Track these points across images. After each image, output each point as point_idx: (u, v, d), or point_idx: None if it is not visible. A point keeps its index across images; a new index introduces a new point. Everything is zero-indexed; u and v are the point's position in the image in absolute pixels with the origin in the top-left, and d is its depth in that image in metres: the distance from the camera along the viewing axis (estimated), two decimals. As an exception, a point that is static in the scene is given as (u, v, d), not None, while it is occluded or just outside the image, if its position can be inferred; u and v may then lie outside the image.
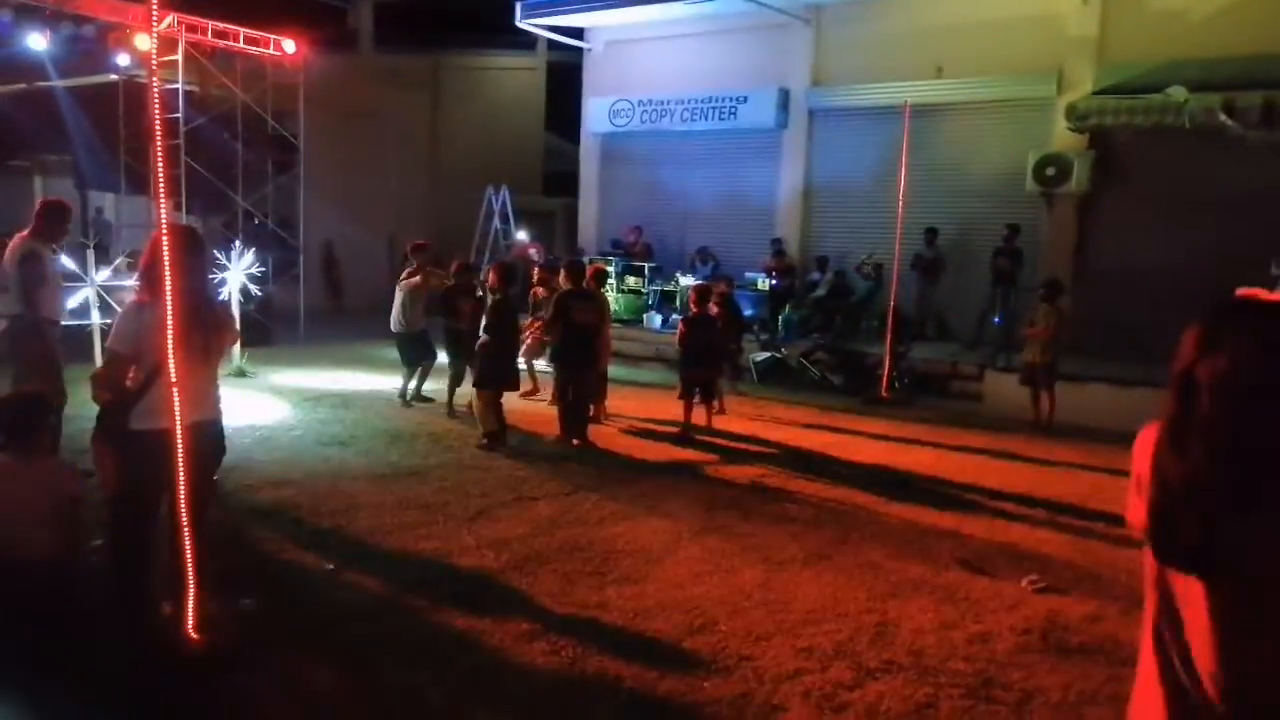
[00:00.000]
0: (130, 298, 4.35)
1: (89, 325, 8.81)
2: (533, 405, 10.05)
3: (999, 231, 12.82)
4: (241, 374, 11.01)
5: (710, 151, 16.69)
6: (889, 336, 11.41)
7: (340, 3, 20.52)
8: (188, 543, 3.89)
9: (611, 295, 14.91)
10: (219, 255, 10.23)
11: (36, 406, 4.53)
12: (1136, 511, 1.78)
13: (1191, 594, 1.68)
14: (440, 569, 5.19)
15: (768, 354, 12.73)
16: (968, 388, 11.79)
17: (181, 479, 3.82)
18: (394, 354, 10.43)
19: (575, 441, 8.37)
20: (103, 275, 8.98)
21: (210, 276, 4.81)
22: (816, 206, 15.76)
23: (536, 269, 11.32)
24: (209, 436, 4.13)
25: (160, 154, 3.93)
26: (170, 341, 3.74)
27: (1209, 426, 1.65)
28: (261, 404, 9.58)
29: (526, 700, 3.77)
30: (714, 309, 9.72)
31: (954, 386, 12.02)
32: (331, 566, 5.14)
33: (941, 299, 13.86)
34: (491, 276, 8.64)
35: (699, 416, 9.18)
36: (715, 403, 9.45)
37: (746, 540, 5.93)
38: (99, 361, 7.54)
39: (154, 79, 4.05)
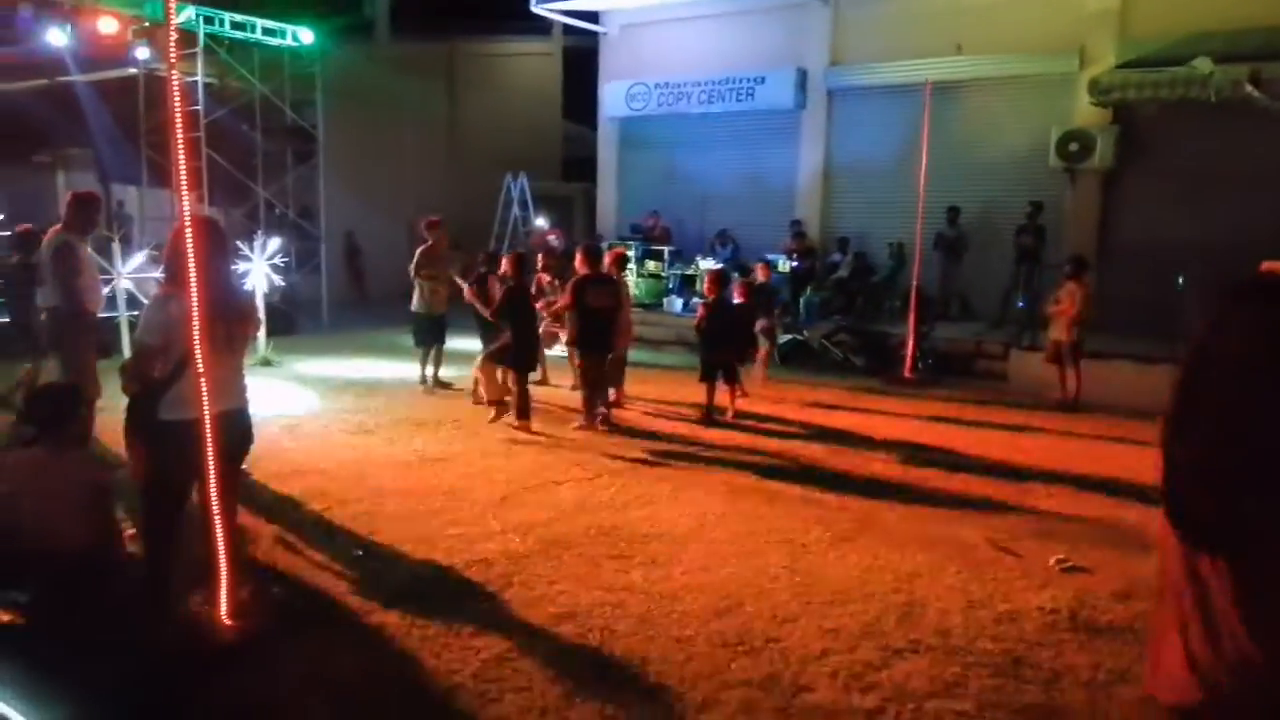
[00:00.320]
0: (156, 290, 4.40)
1: (117, 317, 8.91)
2: (547, 391, 10.06)
3: (1022, 209, 12.68)
4: (267, 363, 11.11)
5: (728, 134, 16.60)
6: (912, 316, 11.34)
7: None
8: (219, 530, 3.94)
9: (631, 279, 14.92)
10: (241, 246, 10.31)
11: (69, 399, 4.59)
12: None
13: (1217, 572, 1.67)
14: (467, 554, 5.22)
15: (789, 336, 12.69)
16: (992, 367, 11.71)
17: (211, 468, 3.87)
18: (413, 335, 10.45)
19: (599, 426, 8.39)
20: (129, 267, 9.08)
21: (233, 267, 4.84)
22: (836, 187, 15.65)
23: (541, 256, 11.25)
24: (237, 425, 4.17)
25: (182, 146, 3.95)
26: (196, 332, 3.78)
27: (1218, 406, 1.64)
28: (288, 393, 9.66)
29: (555, 683, 3.80)
30: (739, 295, 9.74)
31: (978, 366, 11.94)
32: (360, 553, 5.19)
33: (964, 278, 13.75)
34: (505, 265, 8.65)
35: (721, 400, 9.17)
36: (737, 386, 9.43)
37: (771, 522, 5.93)
38: (127, 353, 7.63)
39: (173, 72, 4.07)
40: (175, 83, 4.03)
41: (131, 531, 4.57)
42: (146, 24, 12.53)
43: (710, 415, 8.93)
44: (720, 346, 9.13)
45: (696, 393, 9.30)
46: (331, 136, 15.31)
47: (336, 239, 17.78)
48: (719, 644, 4.19)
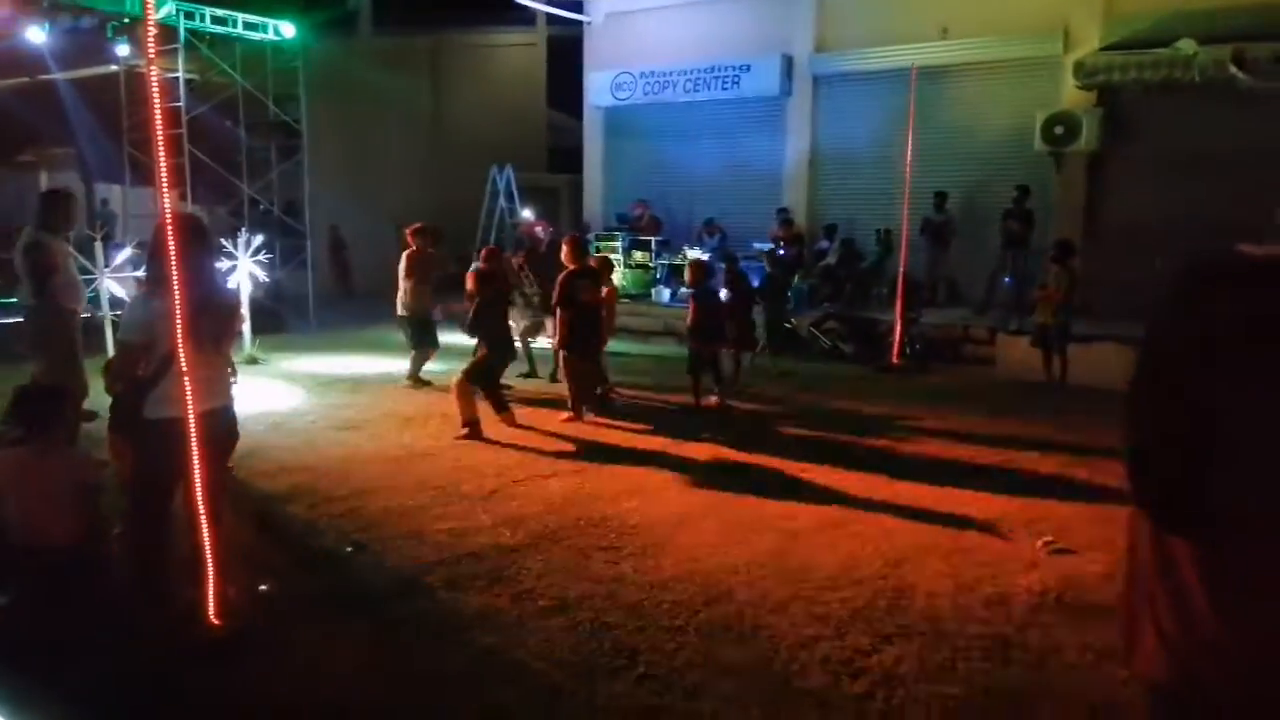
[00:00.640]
0: (138, 288, 4.37)
1: (100, 316, 8.86)
2: (534, 385, 10.05)
3: (1008, 193, 12.70)
4: (253, 361, 11.06)
5: (714, 122, 16.57)
6: (899, 303, 11.36)
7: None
8: (205, 529, 3.93)
9: (619, 270, 14.89)
10: (226, 243, 10.25)
11: (54, 399, 4.57)
12: None
13: (1185, 551, 1.69)
14: (456, 548, 5.22)
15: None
16: (980, 352, 11.75)
17: (197, 466, 3.85)
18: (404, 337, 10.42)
19: (588, 416, 8.39)
20: (112, 265, 9.01)
21: (216, 264, 4.82)
22: (823, 174, 15.65)
23: (522, 254, 11.07)
24: (222, 423, 4.16)
25: (162, 144, 3.92)
26: (179, 330, 3.76)
27: (1182, 386, 1.66)
28: (274, 390, 9.63)
29: (546, 674, 3.80)
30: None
31: (966, 351, 11.98)
32: (350, 549, 5.18)
33: (951, 263, 13.77)
34: (478, 268, 8.62)
35: (708, 392, 9.18)
36: (727, 375, 9.46)
37: (760, 510, 5.94)
38: (111, 352, 7.58)
39: (152, 68, 4.04)
40: (154, 79, 3.99)
41: (118, 531, 4.56)
42: (126, 20, 12.42)
43: (697, 406, 8.94)
44: (710, 338, 9.13)
45: (684, 383, 9.30)
46: (316, 131, 15.22)
47: (322, 234, 17.70)
48: (709, 632, 4.20)
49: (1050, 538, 5.41)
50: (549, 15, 19.24)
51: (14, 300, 8.46)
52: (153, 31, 4.04)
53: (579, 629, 4.23)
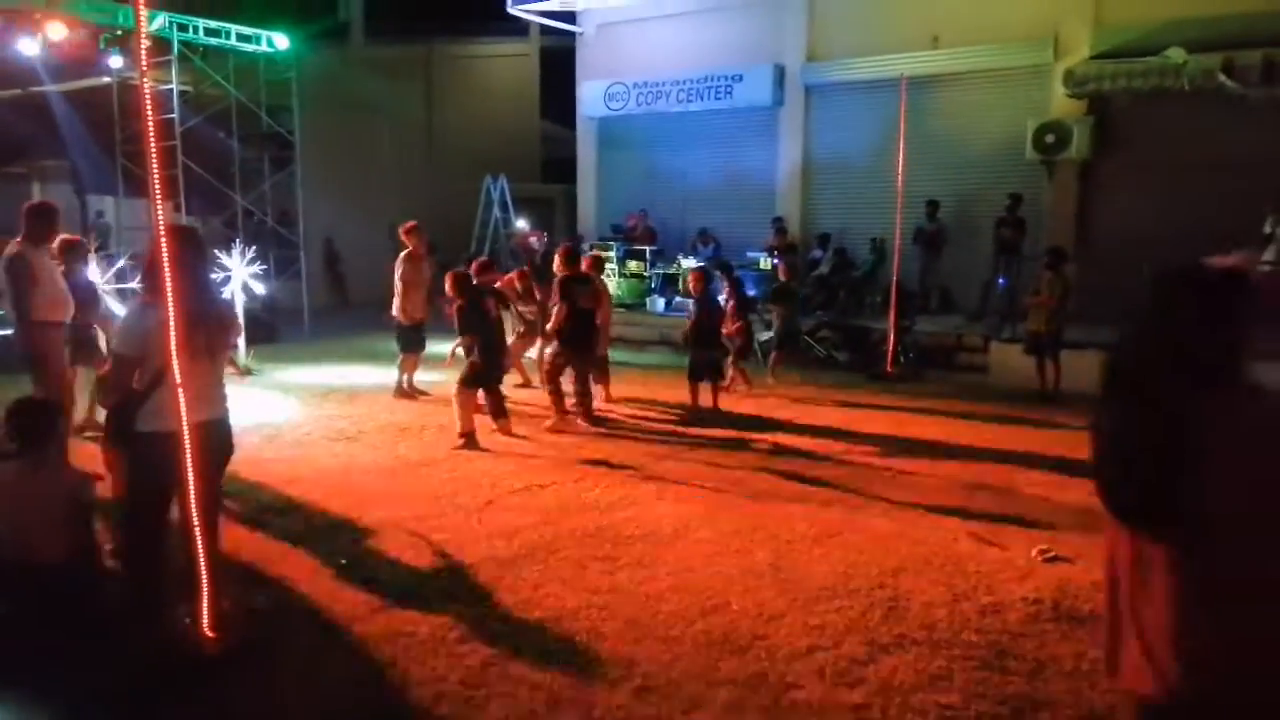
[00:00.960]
0: (133, 300, 4.36)
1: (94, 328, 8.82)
2: (530, 394, 10.03)
3: (1001, 201, 12.75)
4: (247, 372, 11.03)
5: (707, 132, 16.62)
6: (893, 311, 11.38)
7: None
8: (200, 542, 3.91)
9: (613, 280, 14.91)
10: (220, 255, 10.24)
11: (47, 413, 4.56)
12: None
13: (1161, 560, 1.70)
14: (452, 559, 5.21)
15: (772, 333, 12.70)
16: (973, 360, 11.77)
17: (191, 478, 3.84)
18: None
19: (579, 425, 8.39)
20: (105, 277, 9.00)
21: (212, 276, 4.81)
22: (816, 183, 15.70)
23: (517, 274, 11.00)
24: (217, 435, 4.15)
25: (155, 155, 3.92)
26: (174, 342, 3.75)
27: (1150, 392, 1.69)
28: (269, 402, 9.61)
29: (544, 685, 3.79)
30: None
31: (959, 359, 12.00)
32: (344, 561, 5.16)
33: (944, 271, 13.81)
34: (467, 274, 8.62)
35: (705, 398, 9.19)
36: (722, 384, 9.47)
37: (756, 520, 5.94)
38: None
39: (144, 80, 4.04)
40: (147, 91, 4.00)
41: (111, 545, 4.54)
42: (119, 32, 12.41)
43: (696, 414, 8.95)
44: (710, 345, 9.18)
45: (680, 392, 9.31)
46: (309, 142, 15.23)
47: (316, 245, 17.69)
48: (705, 643, 4.19)
49: (1045, 546, 5.41)
50: (542, 26, 19.32)
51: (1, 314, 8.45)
52: (145, 44, 4.05)
53: (576, 640, 4.23)
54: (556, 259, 8.73)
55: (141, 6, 3.91)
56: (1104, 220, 12.82)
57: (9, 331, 6.78)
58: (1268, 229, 10.24)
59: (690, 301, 9.69)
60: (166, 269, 3.74)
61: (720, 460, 7.50)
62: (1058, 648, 4.17)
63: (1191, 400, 1.65)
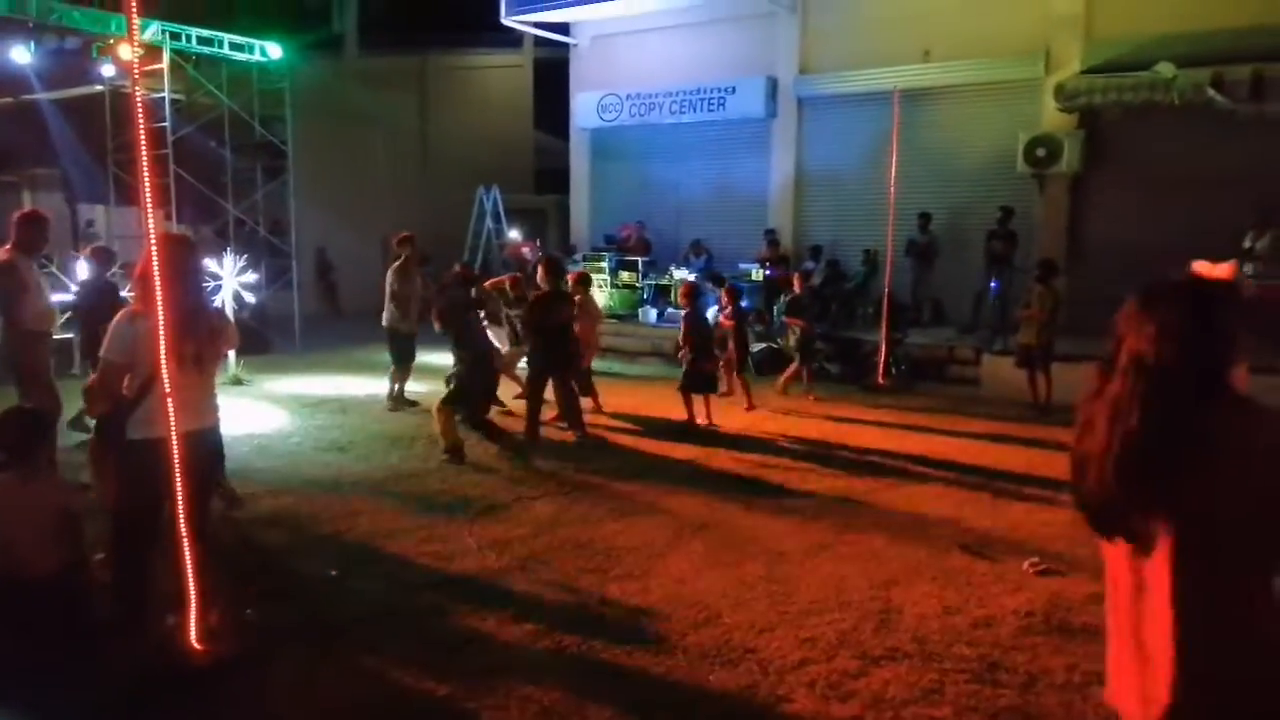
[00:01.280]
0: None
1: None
2: (520, 406, 10.00)
3: (992, 214, 12.79)
4: (238, 382, 10.99)
5: (700, 143, 16.66)
6: (884, 323, 11.40)
7: (324, 5, 20.45)
8: (188, 552, 3.88)
9: (606, 291, 14.92)
10: (212, 263, 10.20)
11: (36, 423, 4.52)
12: None
13: (1149, 570, 1.71)
14: (443, 572, 5.19)
15: (764, 345, 12.72)
16: (965, 372, 11.79)
17: (180, 488, 3.81)
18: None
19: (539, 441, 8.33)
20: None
21: (204, 284, 4.79)
22: (809, 195, 15.74)
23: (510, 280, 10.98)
24: (206, 445, 4.12)
25: (146, 164, 3.91)
26: (164, 350, 3.73)
27: (1118, 400, 1.72)
28: (259, 412, 9.57)
29: (534, 698, 3.77)
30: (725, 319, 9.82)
31: (951, 371, 12.02)
32: (335, 573, 5.14)
33: (936, 284, 13.85)
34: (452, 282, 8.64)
35: (699, 410, 9.19)
36: (723, 391, 9.50)
37: (748, 532, 5.93)
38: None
39: (136, 88, 4.03)
40: (139, 100, 3.99)
41: (101, 557, 4.50)
42: (111, 41, 12.39)
43: (690, 426, 8.94)
44: (704, 358, 9.19)
45: (672, 403, 9.30)
46: (302, 152, 15.21)
47: (308, 255, 17.66)
48: (697, 656, 4.18)
49: (1036, 559, 5.41)
50: (536, 38, 19.36)
51: None
52: (137, 53, 4.04)
53: (566, 652, 4.21)
54: (539, 271, 8.69)
55: (134, 15, 3.91)
56: (1095, 233, 12.88)
57: None
58: (1247, 243, 10.32)
59: (681, 314, 9.70)
60: (157, 277, 3.73)
61: (712, 472, 7.49)
62: (1050, 660, 4.17)
63: (1182, 412, 1.65)
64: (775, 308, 13.97)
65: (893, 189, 11.23)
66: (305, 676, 3.98)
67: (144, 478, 3.93)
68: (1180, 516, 1.65)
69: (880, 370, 11.48)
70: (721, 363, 9.92)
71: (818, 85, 15.25)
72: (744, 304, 11.46)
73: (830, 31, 15.12)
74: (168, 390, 3.75)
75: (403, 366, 9.94)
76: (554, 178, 20.59)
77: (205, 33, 12.87)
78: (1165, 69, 11.44)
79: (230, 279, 10.59)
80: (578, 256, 15.92)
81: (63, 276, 8.32)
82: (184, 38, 12.59)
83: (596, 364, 10.35)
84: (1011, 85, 13.57)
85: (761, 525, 6.08)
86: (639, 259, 15.68)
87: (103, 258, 8.18)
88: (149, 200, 3.90)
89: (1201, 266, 1.82)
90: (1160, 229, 11.82)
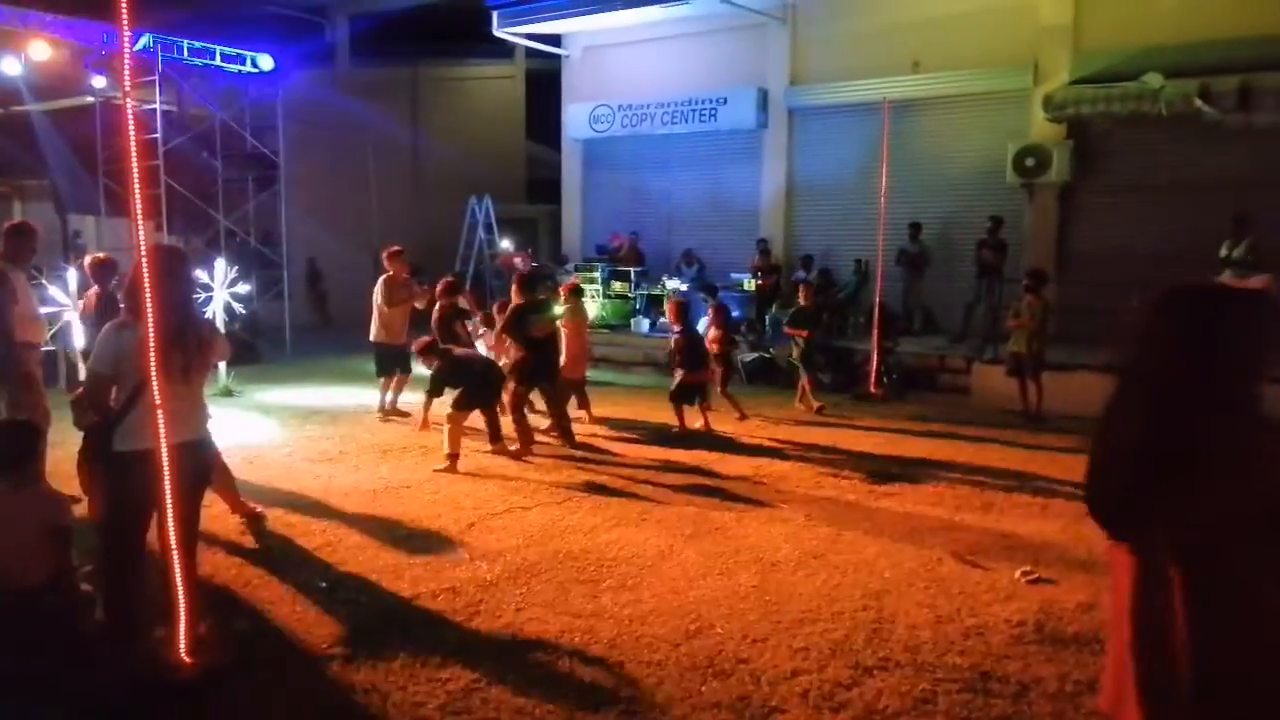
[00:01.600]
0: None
1: (73, 349, 8.75)
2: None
3: (982, 224, 12.83)
4: (228, 393, 10.96)
5: (692, 154, 16.70)
6: (876, 332, 11.43)
7: (316, 17, 20.47)
8: (177, 564, 3.86)
9: (597, 301, 14.91)
10: (202, 275, 10.17)
11: (27, 435, 4.51)
12: None
13: (1165, 587, 1.71)
14: (434, 582, 5.17)
15: (756, 354, 12.74)
16: (956, 381, 11.82)
17: (169, 500, 3.80)
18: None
19: (529, 454, 8.30)
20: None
21: (194, 295, 4.77)
22: (800, 205, 15.78)
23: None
24: (194, 457, 4.10)
25: (137, 175, 3.90)
26: (153, 362, 3.72)
27: (1127, 407, 1.72)
28: (250, 423, 9.53)
29: (526, 710, 3.76)
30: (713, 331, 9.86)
31: (942, 380, 12.04)
32: (324, 584, 5.12)
33: (927, 293, 13.89)
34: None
35: (690, 420, 9.19)
36: (707, 404, 9.49)
37: (740, 542, 5.92)
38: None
39: (127, 99, 4.03)
40: (129, 110, 3.98)
41: (89, 568, 4.48)
42: (104, 52, 12.39)
43: (681, 435, 8.94)
44: (696, 369, 9.21)
45: (664, 413, 9.30)
46: (293, 163, 15.22)
47: (299, 266, 17.63)
48: (690, 666, 4.17)
49: (1028, 568, 5.42)
50: (527, 49, 19.40)
51: None
52: (128, 64, 4.03)
53: (559, 663, 4.20)
54: (513, 288, 8.72)
55: (125, 27, 3.90)
56: (1084, 242, 12.94)
57: None
58: (1224, 251, 10.38)
59: (672, 327, 9.72)
60: (146, 288, 3.72)
61: (704, 482, 7.49)
62: (1042, 669, 4.17)
63: (1184, 422, 1.66)
64: (767, 317, 14.01)
65: (883, 199, 11.27)
66: (294, 689, 3.97)
67: (131, 489, 3.91)
68: (1183, 526, 1.65)
69: (872, 379, 11.49)
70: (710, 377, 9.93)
71: (808, 96, 15.31)
72: (735, 314, 11.48)
73: (820, 42, 15.19)
74: (157, 401, 3.74)
75: (389, 378, 9.91)
76: (546, 188, 20.61)
77: (197, 44, 12.88)
78: (1153, 79, 11.52)
79: (221, 290, 10.57)
80: (570, 267, 15.92)
81: (52, 287, 8.26)
82: (176, 49, 12.59)
83: (590, 374, 10.33)
84: (1000, 96, 13.63)
85: (753, 534, 6.07)
86: (631, 269, 15.69)
87: (106, 269, 7.87)
88: (140, 213, 3.89)
89: (1222, 278, 1.86)
90: (1149, 238, 11.91)
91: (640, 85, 16.82)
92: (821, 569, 5.45)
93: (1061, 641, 4.47)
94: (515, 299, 8.58)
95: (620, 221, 17.05)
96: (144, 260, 3.78)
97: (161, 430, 3.74)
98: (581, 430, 9.05)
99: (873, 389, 11.42)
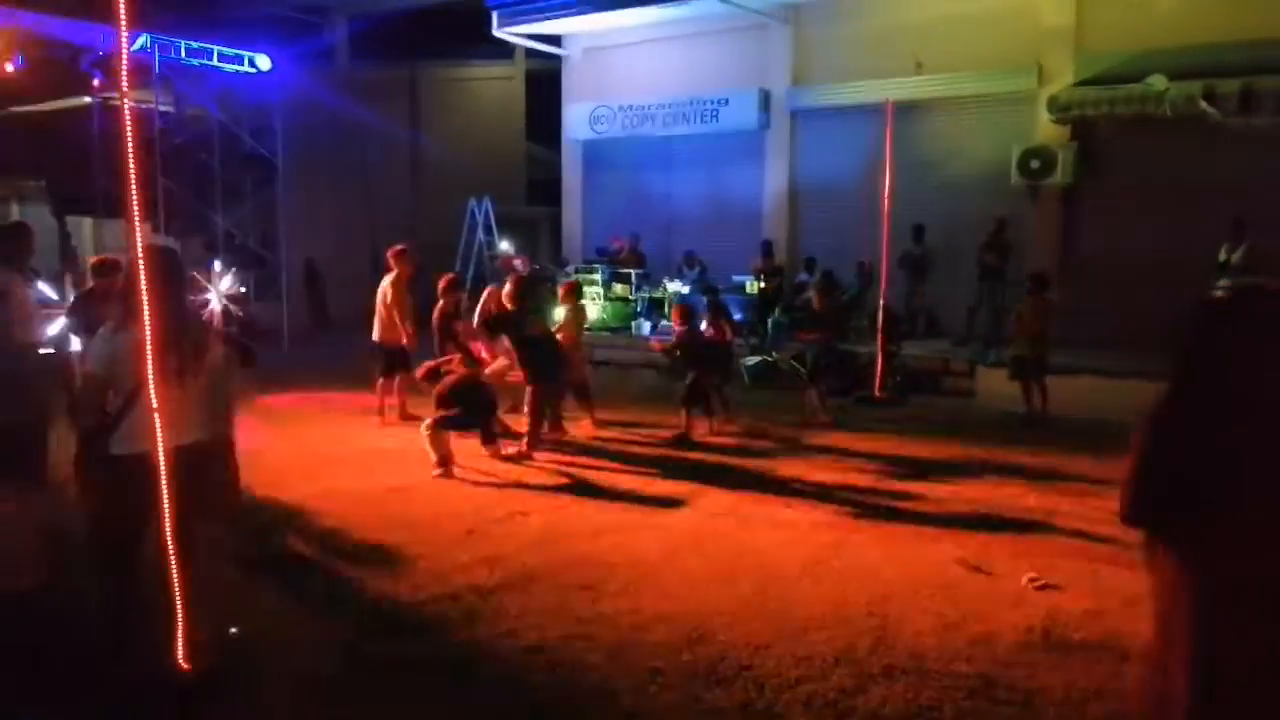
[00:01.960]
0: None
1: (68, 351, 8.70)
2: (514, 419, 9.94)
3: (986, 226, 12.78)
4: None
5: (693, 155, 16.66)
6: (879, 335, 11.37)
7: (315, 17, 20.43)
8: (174, 569, 3.81)
9: (598, 303, 14.86)
10: (199, 276, 10.13)
11: (27, 438, 4.46)
12: None
13: (1179, 575, 1.70)
14: (433, 588, 5.11)
15: (758, 357, 12.68)
16: (959, 384, 11.76)
17: (165, 504, 3.74)
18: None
19: (534, 455, 8.24)
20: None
21: (190, 297, 4.72)
22: (803, 207, 15.73)
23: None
24: (193, 460, 4.04)
25: (134, 177, 3.85)
26: (149, 364, 3.67)
27: (1159, 413, 1.71)
28: (246, 426, 9.42)
29: (527, 718, 3.71)
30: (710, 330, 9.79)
31: (946, 383, 11.99)
32: (323, 590, 5.06)
33: (930, 295, 13.84)
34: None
35: (700, 424, 9.14)
36: (716, 409, 9.45)
37: (742, 547, 5.86)
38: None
39: (124, 100, 3.97)
40: (126, 110, 3.93)
41: (86, 572, 4.42)
42: (101, 53, 12.34)
43: (682, 439, 8.89)
44: (705, 372, 9.17)
45: (665, 417, 9.25)
46: (292, 163, 15.17)
47: (297, 267, 17.57)
48: (691, 674, 4.11)
49: (1035, 574, 5.35)
50: (528, 49, 19.35)
51: None
52: (125, 65, 3.98)
53: (559, 670, 4.14)
54: (507, 291, 8.63)
55: (123, 28, 3.85)
56: (1088, 245, 12.90)
57: None
58: (1223, 256, 10.34)
59: (674, 328, 9.68)
60: (142, 290, 3.67)
61: (705, 486, 7.41)
62: (1048, 677, 4.11)
63: (1209, 430, 1.63)
64: (770, 320, 13.95)
65: (887, 201, 11.22)
66: (291, 696, 3.91)
67: (126, 493, 3.86)
68: (1211, 529, 1.62)
69: (876, 382, 11.43)
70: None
71: (811, 97, 15.27)
72: (737, 317, 11.42)
73: (823, 43, 15.15)
74: (154, 404, 3.69)
75: (391, 378, 9.85)
76: (546, 189, 20.57)
77: (196, 44, 12.83)
78: (1157, 81, 11.48)
79: (218, 291, 10.52)
80: (570, 269, 15.87)
81: (48, 289, 8.21)
82: (174, 50, 12.55)
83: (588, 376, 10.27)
84: (1005, 97, 13.59)
85: (756, 540, 6.01)
86: (632, 271, 15.63)
87: (108, 270, 7.76)
88: (136, 214, 3.84)
89: (1269, 284, 1.84)
90: (1153, 240, 11.86)
91: (641, 86, 16.78)
92: (825, 575, 5.39)
93: (1068, 649, 4.41)
94: (510, 304, 8.51)
95: (621, 223, 16.99)
96: (139, 262, 3.72)
97: (159, 433, 3.69)
98: (582, 434, 9.01)
99: (876, 392, 11.37)
